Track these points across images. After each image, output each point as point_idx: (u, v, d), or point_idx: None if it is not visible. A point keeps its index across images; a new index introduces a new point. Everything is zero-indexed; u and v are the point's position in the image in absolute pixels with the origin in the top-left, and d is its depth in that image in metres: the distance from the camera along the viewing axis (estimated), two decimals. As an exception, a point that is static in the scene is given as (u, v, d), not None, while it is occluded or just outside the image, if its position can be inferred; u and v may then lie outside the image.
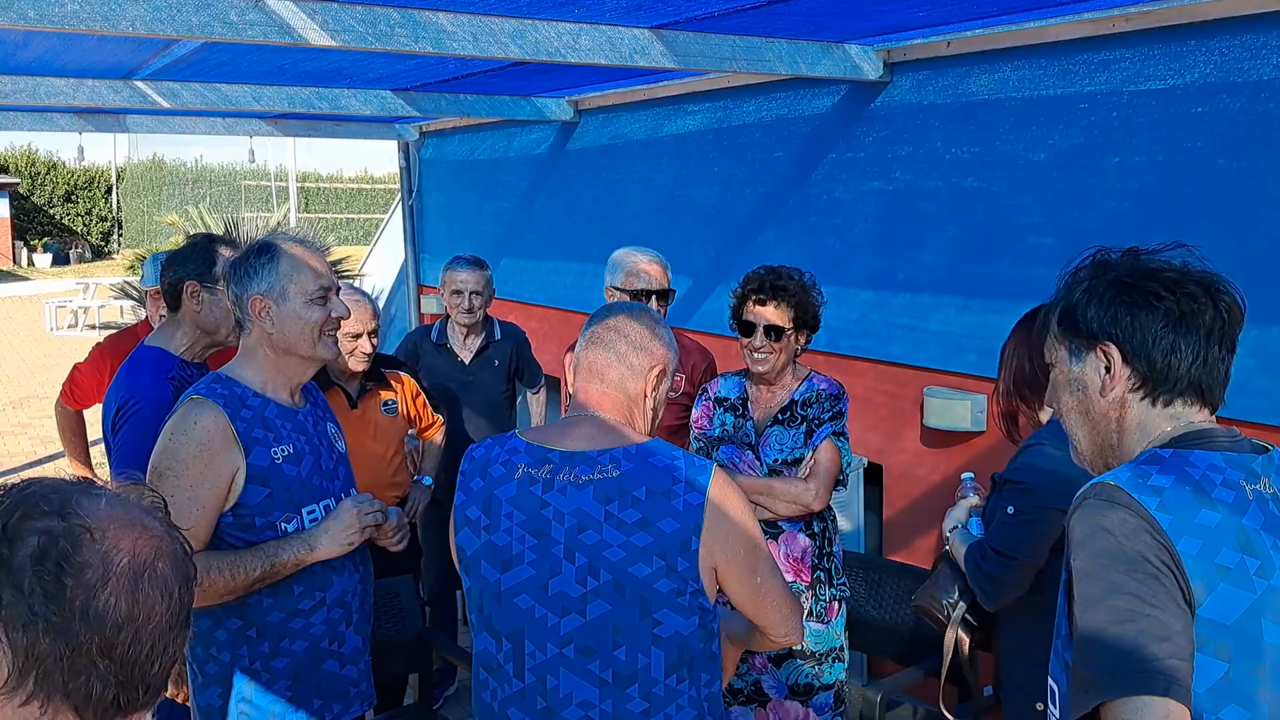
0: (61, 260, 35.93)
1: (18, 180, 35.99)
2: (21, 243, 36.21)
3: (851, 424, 4.62)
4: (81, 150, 8.93)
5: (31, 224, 37.22)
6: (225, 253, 2.94)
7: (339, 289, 2.49)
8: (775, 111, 4.78)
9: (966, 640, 2.51)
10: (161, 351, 2.90)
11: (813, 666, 3.12)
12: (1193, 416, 1.48)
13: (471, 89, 5.68)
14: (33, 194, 37.38)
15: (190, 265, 2.90)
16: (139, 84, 5.01)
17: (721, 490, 1.88)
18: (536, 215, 6.73)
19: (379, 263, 10.20)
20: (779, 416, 3.20)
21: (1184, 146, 3.32)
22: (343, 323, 3.52)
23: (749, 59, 3.88)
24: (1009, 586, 2.36)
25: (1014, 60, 3.76)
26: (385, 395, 3.75)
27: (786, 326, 3.14)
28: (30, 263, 35.52)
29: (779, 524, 3.17)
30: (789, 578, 3.12)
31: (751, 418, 3.25)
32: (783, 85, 4.69)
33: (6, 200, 35.23)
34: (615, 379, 1.97)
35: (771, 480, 3.10)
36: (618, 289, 3.67)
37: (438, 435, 4.13)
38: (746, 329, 3.20)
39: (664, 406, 2.10)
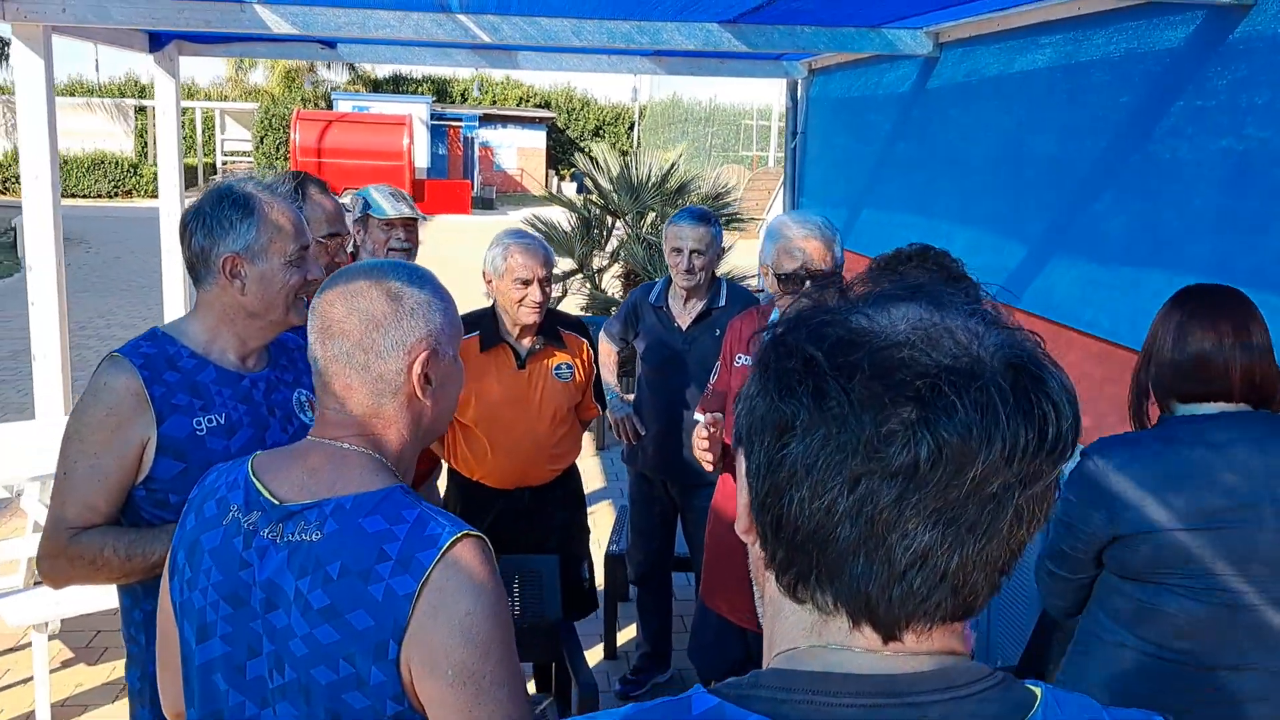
0: (584, 189, 39.44)
1: (555, 115, 39.76)
2: (553, 171, 40.10)
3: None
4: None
5: (564, 155, 41.07)
6: (318, 198, 2.78)
7: (312, 243, 2.19)
8: (1124, 45, 3.75)
9: None
10: None
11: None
12: (839, 634, 0.77)
13: (805, 18, 5.10)
14: (567, 128, 41.13)
15: None
16: (460, 18, 5.03)
17: (451, 576, 1.32)
18: (895, 162, 6.01)
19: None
20: None
21: None
22: (510, 268, 3.26)
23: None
24: (1050, 594, 2.34)
25: None
26: (561, 358, 3.42)
27: None
28: (559, 190, 39.27)
29: None
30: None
31: None
32: (1136, 12, 3.67)
33: (544, 132, 39.05)
34: (359, 394, 1.45)
35: None
36: (770, 269, 3.02)
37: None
38: None
39: (457, 385, 1.54)
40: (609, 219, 8.45)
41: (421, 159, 29.17)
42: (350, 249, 3.54)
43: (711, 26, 5.20)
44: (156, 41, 6.60)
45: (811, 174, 7.57)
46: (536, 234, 3.38)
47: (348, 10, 4.97)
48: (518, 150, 37.60)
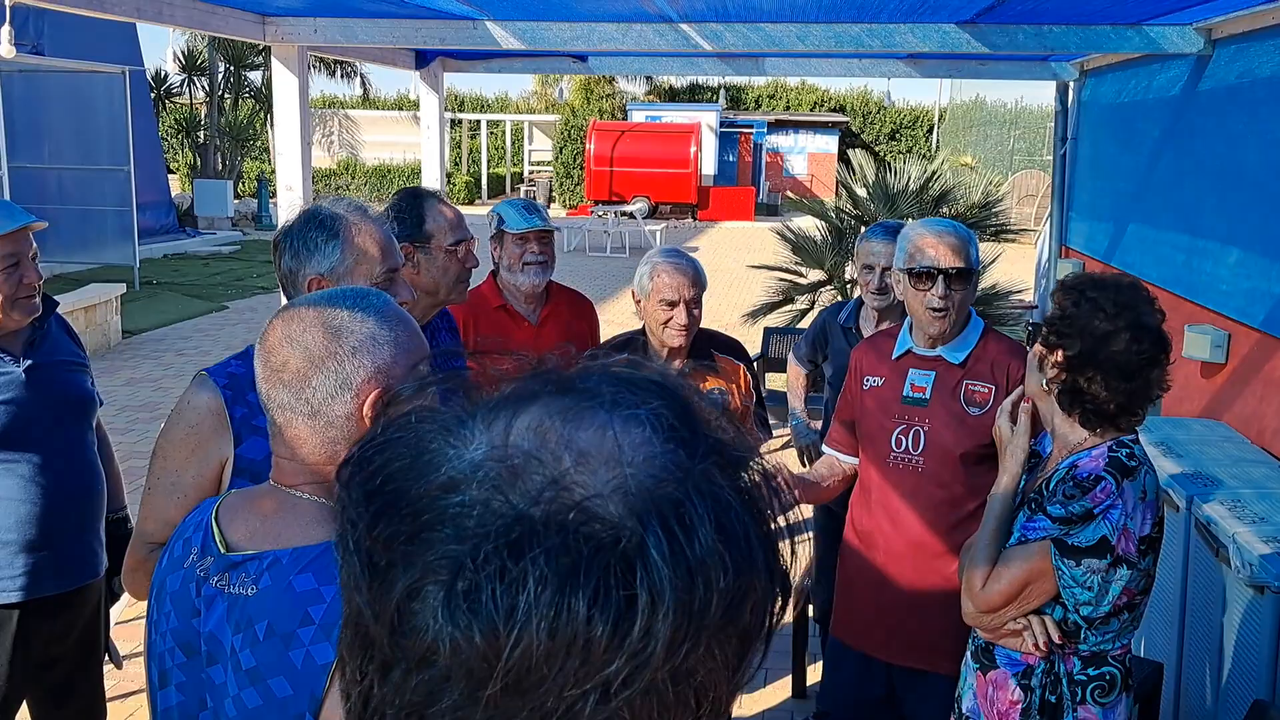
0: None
1: (848, 119, 39.16)
2: (846, 177, 39.49)
3: None
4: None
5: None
6: (439, 208, 2.75)
7: (403, 266, 2.16)
8: None
9: None
10: None
11: None
12: None
13: (1052, 16, 4.67)
14: (862, 132, 40.37)
15: (400, 226, 2.74)
16: (683, 27, 4.97)
17: None
18: (1161, 173, 5.42)
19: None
20: (1042, 489, 2.16)
21: None
22: (657, 288, 3.13)
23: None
24: None
25: None
26: (713, 383, 3.24)
27: (1044, 353, 2.13)
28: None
29: (994, 653, 2.16)
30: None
31: (1040, 478, 2.24)
32: None
33: (837, 137, 38.55)
34: (311, 443, 1.36)
35: (979, 556, 2.16)
36: (900, 270, 2.79)
37: None
38: None
39: None
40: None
41: (709, 166, 29.49)
42: (494, 262, 3.53)
43: (948, 28, 4.87)
44: (422, 59, 6.94)
45: (1081, 184, 6.99)
46: (690, 254, 3.22)
47: (573, 25, 5.02)
48: (808, 156, 37.30)
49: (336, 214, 2.09)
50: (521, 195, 33.37)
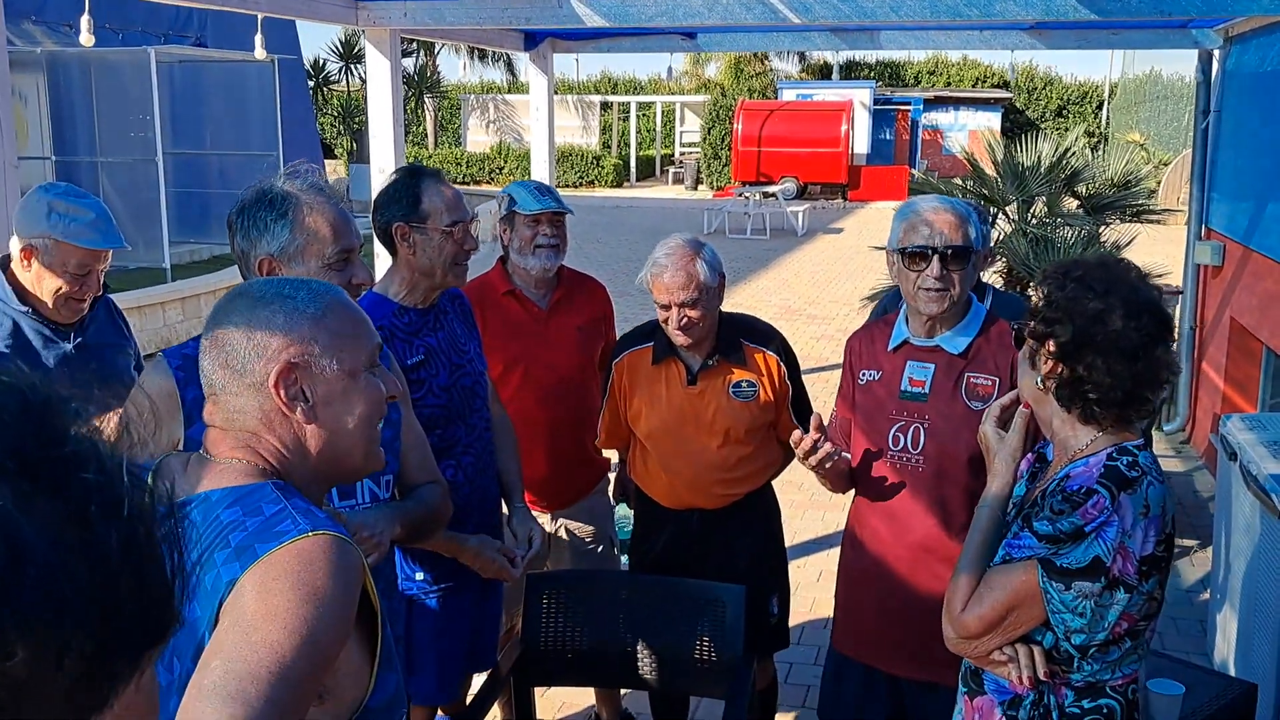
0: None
1: (1012, 95, 37.65)
2: (1007, 156, 37.94)
3: None
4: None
5: (1018, 135, 38.71)
6: (437, 187, 2.67)
7: (361, 246, 2.08)
8: None
9: None
10: (378, 297, 2.71)
11: None
12: None
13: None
14: (1027, 108, 38.76)
15: (395, 206, 2.67)
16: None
17: (274, 570, 1.22)
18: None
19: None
20: (1037, 501, 1.93)
21: None
22: (654, 288, 2.95)
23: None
24: None
25: None
26: (740, 375, 3.05)
27: (1035, 347, 1.91)
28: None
29: (982, 677, 1.96)
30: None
31: (1039, 487, 2.00)
32: None
33: (999, 114, 37.12)
34: (229, 406, 1.42)
35: (961, 576, 1.96)
36: (894, 251, 2.58)
37: None
38: None
39: (362, 406, 1.46)
40: (990, 209, 7.73)
41: (861, 145, 28.77)
42: (502, 246, 3.39)
43: (1042, -6, 4.55)
44: (531, 41, 6.90)
45: (1224, 161, 6.47)
46: (700, 241, 3.02)
47: (659, 1, 4.90)
48: (969, 133, 36.05)
49: (288, 193, 2.04)
50: (669, 178, 33.32)
